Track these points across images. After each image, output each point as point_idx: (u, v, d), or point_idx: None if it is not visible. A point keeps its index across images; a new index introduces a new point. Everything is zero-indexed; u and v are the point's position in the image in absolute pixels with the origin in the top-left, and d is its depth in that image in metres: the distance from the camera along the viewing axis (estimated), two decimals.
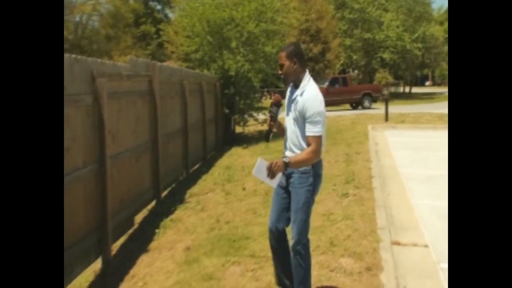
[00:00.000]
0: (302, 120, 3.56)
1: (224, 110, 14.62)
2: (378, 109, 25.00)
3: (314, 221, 5.91)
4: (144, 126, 7.25)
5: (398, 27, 36.05)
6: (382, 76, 36.46)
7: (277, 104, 3.74)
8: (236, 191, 8.18)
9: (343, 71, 39.36)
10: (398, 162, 10.24)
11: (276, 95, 3.84)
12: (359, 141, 12.94)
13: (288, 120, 3.70)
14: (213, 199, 7.75)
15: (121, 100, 6.25)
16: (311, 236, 5.35)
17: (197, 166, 10.83)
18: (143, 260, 5.53)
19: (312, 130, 3.53)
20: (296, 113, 3.60)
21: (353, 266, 4.56)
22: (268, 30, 14.78)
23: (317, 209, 6.44)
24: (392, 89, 40.22)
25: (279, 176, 3.46)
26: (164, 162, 8.04)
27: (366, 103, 27.66)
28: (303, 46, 28.16)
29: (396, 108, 21.93)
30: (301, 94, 3.57)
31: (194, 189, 8.57)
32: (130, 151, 6.51)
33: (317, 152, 3.54)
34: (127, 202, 6.30)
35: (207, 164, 11.15)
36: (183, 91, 9.79)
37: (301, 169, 3.60)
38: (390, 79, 37.87)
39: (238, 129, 17.01)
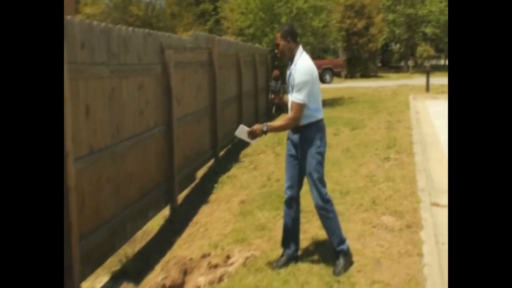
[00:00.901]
0: None
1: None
2: (340, 84, 24.30)
3: (357, 181, 5.98)
4: (204, 93, 7.43)
5: (441, 1, 34.49)
6: (424, 49, 35.18)
7: (276, 78, 3.88)
8: (285, 152, 8.23)
9: (386, 45, 38.32)
10: (438, 130, 9.94)
11: (275, 71, 4.01)
12: (400, 110, 12.66)
13: (290, 95, 3.70)
14: (264, 159, 7.90)
15: (185, 69, 6.43)
16: (354, 195, 5.47)
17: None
18: (204, 210, 5.79)
19: (295, 97, 3.56)
20: (291, 86, 3.64)
21: (394, 224, 4.56)
22: (316, 6, 14.55)
23: (360, 171, 6.48)
24: (433, 62, 38.85)
25: (259, 138, 3.63)
26: (221, 125, 8.21)
27: (327, 78, 25.82)
28: (347, 21, 27.52)
29: (437, 79, 21.24)
30: (294, 67, 3.62)
31: (248, 150, 8.71)
32: (192, 114, 6.72)
33: (295, 119, 3.57)
34: (190, 159, 6.57)
35: None
36: (238, 62, 9.88)
37: (307, 134, 3.61)
38: (432, 52, 36.51)
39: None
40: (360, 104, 14.27)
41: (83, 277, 3.69)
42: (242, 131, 3.64)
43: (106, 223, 4.10)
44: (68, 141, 3.50)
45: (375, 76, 29.25)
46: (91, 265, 3.87)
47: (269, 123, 3.66)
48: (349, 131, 9.62)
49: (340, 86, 22.53)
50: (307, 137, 3.63)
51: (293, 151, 3.76)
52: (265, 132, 3.61)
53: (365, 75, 29.34)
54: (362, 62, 29.85)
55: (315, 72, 3.66)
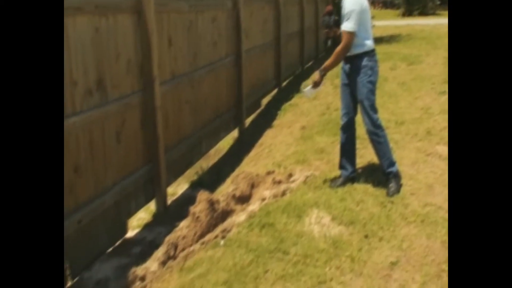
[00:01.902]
0: None
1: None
2: None
3: (413, 113, 5.81)
4: (269, 27, 7.29)
5: None
6: None
7: (329, 13, 3.73)
8: None
9: None
10: None
11: (328, 6, 3.84)
12: None
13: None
14: (323, 90, 7.78)
15: (253, 5, 6.32)
16: (409, 126, 5.35)
17: (310, 63, 10.69)
18: (268, 134, 5.90)
19: (344, 26, 3.43)
20: (342, 16, 3.47)
21: (447, 153, 4.35)
22: None
23: (416, 104, 6.26)
24: None
25: (322, 83, 3.68)
26: (284, 58, 8.11)
27: None
28: None
29: None
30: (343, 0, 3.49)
31: (308, 81, 8.61)
32: (259, 47, 6.66)
33: (345, 47, 3.45)
34: (256, 88, 6.63)
35: (318, 62, 10.96)
36: (301, 0, 9.60)
37: (358, 64, 3.50)
38: None
39: None
40: (418, 41, 13.45)
41: (168, 184, 3.97)
42: (307, 91, 3.75)
43: (186, 140, 4.31)
44: (155, 68, 3.63)
45: (434, 14, 27.21)
46: (173, 175, 4.13)
47: (322, 66, 3.60)
48: (405, 66, 9.20)
49: (398, 23, 21.31)
50: (358, 66, 3.52)
51: (346, 80, 3.69)
52: (324, 75, 3.60)
53: (424, 13, 27.41)
54: (421, 0, 27.85)
55: (365, 2, 3.49)
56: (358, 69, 3.53)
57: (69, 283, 2.88)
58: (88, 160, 3.02)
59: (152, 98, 3.62)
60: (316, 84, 3.64)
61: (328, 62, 3.60)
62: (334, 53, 3.56)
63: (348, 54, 3.53)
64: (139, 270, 3.04)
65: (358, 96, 3.58)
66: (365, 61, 3.52)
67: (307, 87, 3.78)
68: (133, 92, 3.46)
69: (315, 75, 3.64)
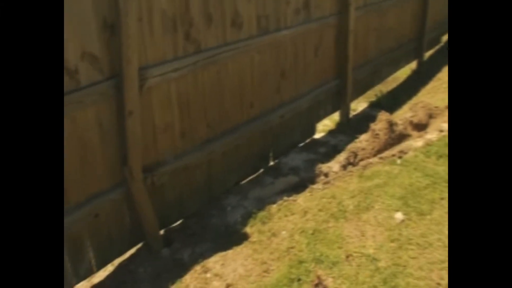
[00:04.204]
0: None
1: None
2: None
3: None
4: None
5: None
6: None
7: None
8: None
9: None
10: None
11: None
12: None
13: None
14: None
15: None
16: None
17: None
18: (446, 70, 5.50)
19: None
20: None
21: None
22: None
23: None
24: None
25: None
26: None
27: None
28: None
29: None
30: None
31: None
32: None
33: None
34: (438, 24, 6.07)
35: None
36: None
37: None
38: None
39: None
40: None
41: (351, 99, 4.02)
42: None
43: (369, 63, 4.23)
44: None
45: None
46: (356, 92, 4.14)
47: None
48: None
49: None
50: None
51: None
52: None
53: None
54: None
55: None
56: None
57: (271, 163, 3.38)
58: (292, 67, 3.26)
59: (346, 21, 3.62)
60: None
61: None
62: None
63: None
64: (324, 167, 3.23)
65: None
66: None
67: None
68: (331, 14, 3.52)
69: None
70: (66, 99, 1.91)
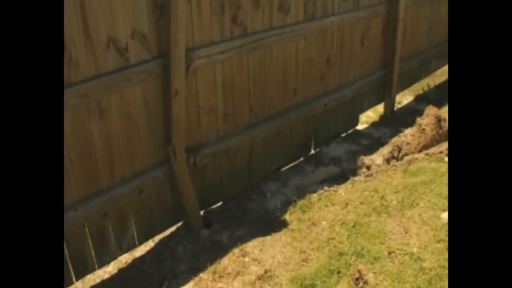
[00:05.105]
0: None
1: None
2: None
3: None
4: None
5: None
6: None
7: None
8: None
9: None
10: None
11: None
12: None
13: None
14: None
15: None
16: None
17: None
18: None
19: None
20: None
21: None
22: None
23: None
24: None
25: None
26: None
27: None
28: None
29: None
30: None
31: None
32: None
33: None
34: None
35: None
36: None
37: None
38: None
39: None
40: None
41: (397, 92, 3.86)
42: None
43: (418, 55, 4.03)
44: None
45: None
46: (402, 85, 3.97)
47: None
48: None
49: None
50: None
51: None
52: None
53: None
54: None
55: None
56: None
57: (312, 152, 3.33)
58: (337, 56, 3.14)
59: (396, 9, 3.44)
60: None
61: None
62: None
63: None
64: (366, 160, 3.13)
65: None
66: None
67: None
68: (380, 2, 3.37)
69: None
70: (115, 76, 1.95)
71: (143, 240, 2.27)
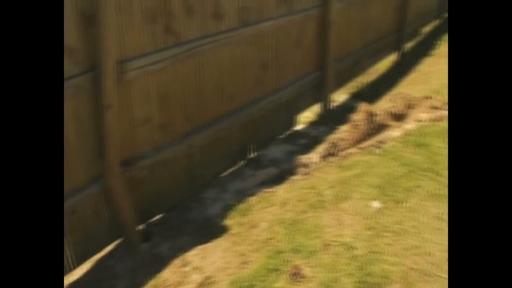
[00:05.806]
0: None
1: None
2: None
3: None
4: None
5: None
6: None
7: None
8: None
9: None
10: None
11: None
12: None
13: None
14: None
15: None
16: None
17: None
18: (426, 62, 5.37)
19: None
20: None
21: None
22: None
23: None
24: None
25: None
26: None
27: None
28: None
29: None
30: None
31: None
32: None
33: None
34: (418, 17, 6.12)
35: None
36: None
37: None
38: None
39: None
40: None
41: (332, 91, 4.03)
42: None
43: (351, 55, 4.22)
44: None
45: None
46: (337, 84, 4.14)
47: None
48: None
49: None
50: None
51: None
52: None
53: None
54: None
55: None
56: None
57: (251, 155, 3.38)
58: (273, 60, 3.21)
59: (327, 13, 3.60)
60: None
61: None
62: None
63: None
64: (304, 159, 3.24)
65: None
66: None
67: None
68: (313, 6, 3.48)
69: None
70: None
71: (79, 262, 2.19)
